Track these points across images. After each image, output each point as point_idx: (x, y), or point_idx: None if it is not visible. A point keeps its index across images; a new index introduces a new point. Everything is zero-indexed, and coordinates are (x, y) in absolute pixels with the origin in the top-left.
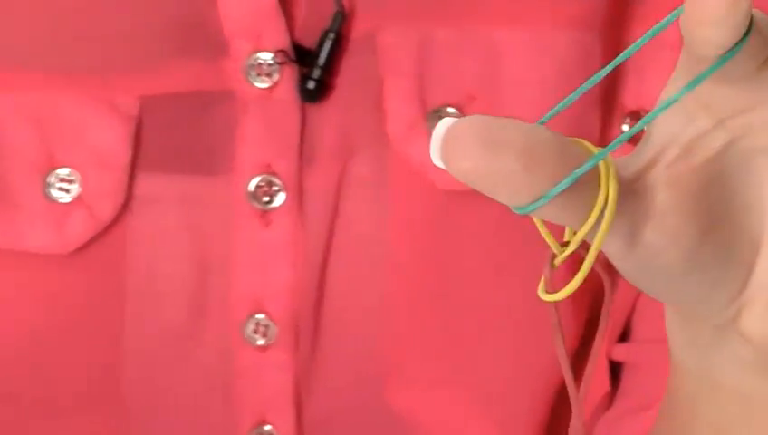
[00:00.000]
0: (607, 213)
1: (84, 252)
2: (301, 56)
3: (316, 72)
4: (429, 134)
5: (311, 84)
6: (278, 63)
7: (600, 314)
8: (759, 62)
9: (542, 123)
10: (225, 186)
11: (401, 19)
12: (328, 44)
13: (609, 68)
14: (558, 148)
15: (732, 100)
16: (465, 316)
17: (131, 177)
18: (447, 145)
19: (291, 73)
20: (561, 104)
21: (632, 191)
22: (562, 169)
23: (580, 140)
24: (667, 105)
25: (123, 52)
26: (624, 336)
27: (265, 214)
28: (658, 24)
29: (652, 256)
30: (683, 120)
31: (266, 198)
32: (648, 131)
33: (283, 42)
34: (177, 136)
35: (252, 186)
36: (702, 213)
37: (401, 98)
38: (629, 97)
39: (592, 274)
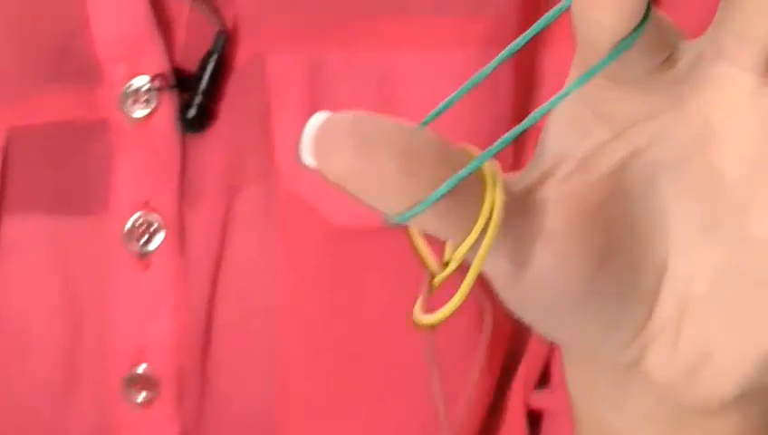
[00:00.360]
0: (491, 224)
1: None
2: (181, 82)
3: (198, 99)
4: None
5: (192, 112)
6: (156, 90)
7: (516, 363)
8: (657, 62)
9: (425, 124)
10: (99, 226)
11: (290, 41)
12: (210, 68)
13: (489, 67)
14: (440, 150)
15: (631, 107)
16: (365, 368)
17: None
18: (319, 141)
19: (170, 101)
20: (442, 105)
21: (521, 208)
22: (443, 173)
23: (466, 145)
24: (560, 99)
25: None
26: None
27: (143, 256)
28: (548, 14)
29: (541, 283)
30: (578, 132)
31: (144, 239)
32: (540, 144)
33: (162, 66)
34: (47, 172)
35: (128, 225)
36: (598, 235)
37: (291, 129)
38: (545, 118)
39: (503, 321)
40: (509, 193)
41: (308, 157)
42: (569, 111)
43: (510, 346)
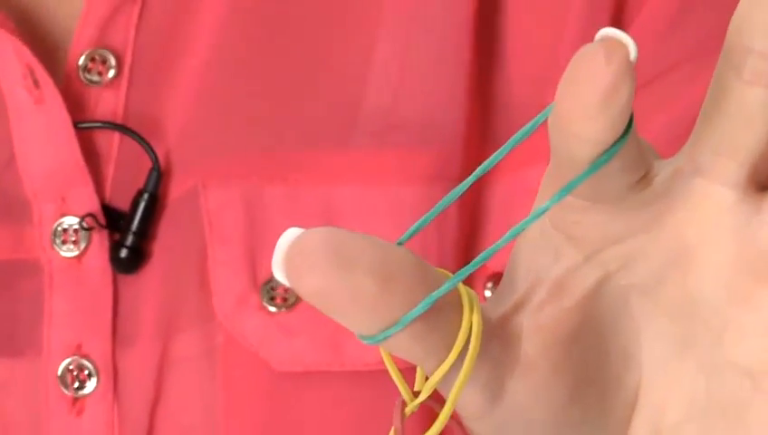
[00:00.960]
0: (470, 350)
1: None
2: (112, 220)
3: (129, 239)
4: (262, 309)
5: (124, 252)
6: (86, 229)
7: None
8: (633, 180)
9: (402, 242)
10: (32, 369)
11: (226, 176)
12: (142, 207)
13: (456, 192)
14: (416, 268)
15: (602, 229)
16: None
17: None
18: (292, 258)
19: (101, 240)
20: (418, 224)
21: (496, 338)
22: (420, 293)
23: (439, 269)
24: (531, 220)
25: None
26: None
27: (77, 401)
28: (525, 127)
29: (514, 415)
30: (549, 256)
31: (77, 384)
32: (510, 266)
33: (91, 205)
34: None
35: (60, 370)
36: (573, 365)
37: (228, 269)
38: (492, 259)
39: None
40: (487, 321)
41: (280, 275)
42: (540, 235)
43: None
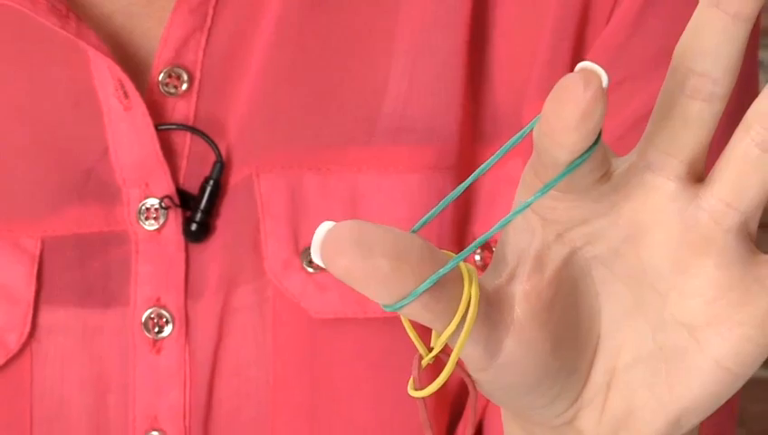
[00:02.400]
0: (469, 315)
1: None
2: (185, 201)
3: (198, 216)
4: (303, 270)
5: (194, 227)
6: (164, 208)
7: (460, 413)
8: (597, 177)
9: (414, 232)
10: (121, 318)
11: (275, 167)
12: (208, 191)
13: (476, 175)
14: (424, 251)
15: (571, 213)
16: (338, 429)
17: (36, 309)
18: (326, 245)
19: (176, 217)
20: (428, 215)
21: (494, 304)
22: (428, 271)
23: (444, 250)
24: (520, 211)
25: (26, 200)
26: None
27: (156, 342)
28: (515, 137)
29: (510, 366)
30: (528, 236)
31: (157, 329)
32: (501, 247)
33: (169, 189)
34: (76, 273)
35: (144, 318)
36: (554, 324)
37: (276, 239)
38: (480, 227)
39: (455, 377)
40: (485, 291)
41: (317, 259)
42: (521, 218)
43: (452, 408)
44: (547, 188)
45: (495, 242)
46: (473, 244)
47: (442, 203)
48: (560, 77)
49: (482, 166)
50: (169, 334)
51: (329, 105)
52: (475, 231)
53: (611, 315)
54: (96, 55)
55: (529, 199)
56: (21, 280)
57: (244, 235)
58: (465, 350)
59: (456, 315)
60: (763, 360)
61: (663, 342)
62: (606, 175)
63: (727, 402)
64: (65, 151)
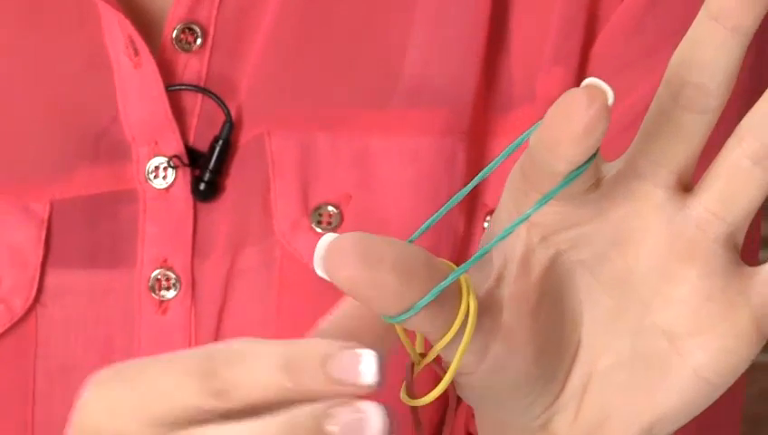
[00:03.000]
0: (468, 325)
1: None
2: (194, 160)
3: (207, 175)
4: (311, 230)
5: (202, 185)
6: (173, 167)
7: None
8: (588, 186)
9: (413, 239)
10: (127, 278)
11: (285, 126)
12: (217, 150)
13: (480, 176)
14: (426, 263)
15: (557, 218)
16: None
17: (42, 273)
18: (329, 257)
19: (185, 175)
20: (435, 215)
21: (483, 309)
22: (430, 283)
23: (443, 260)
24: (520, 222)
25: (36, 163)
26: None
27: (162, 303)
28: (518, 139)
29: (494, 371)
30: (512, 238)
31: (163, 290)
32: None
33: (178, 147)
34: (83, 235)
35: (151, 278)
36: (539, 329)
37: (286, 198)
38: (491, 197)
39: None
40: (476, 296)
41: (320, 271)
42: (507, 220)
43: (442, 402)
44: (545, 199)
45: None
46: (473, 257)
47: (446, 206)
48: (572, 47)
49: (486, 168)
50: (175, 295)
51: (343, 66)
52: (486, 202)
53: (592, 321)
54: (106, 10)
55: (527, 212)
56: (29, 244)
57: (253, 194)
58: (450, 356)
59: (454, 326)
60: (742, 371)
61: (642, 349)
62: (596, 183)
63: (730, 391)
64: (77, 112)
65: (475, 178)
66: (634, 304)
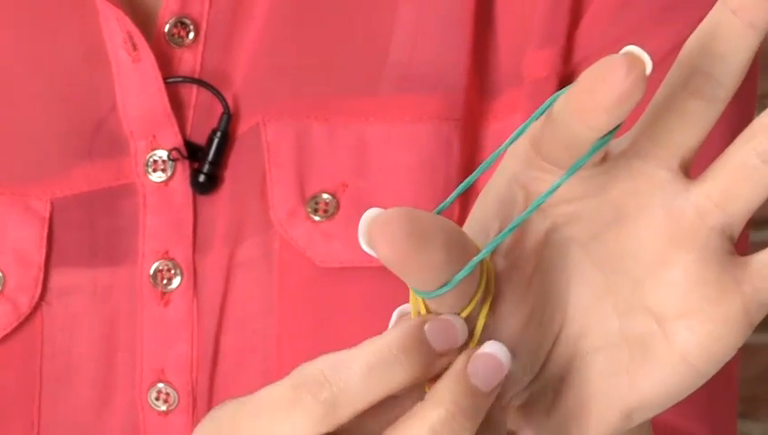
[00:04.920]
0: (489, 293)
1: (4, 341)
2: (192, 153)
3: (206, 167)
4: (308, 219)
5: (201, 178)
6: (172, 160)
7: None
8: (599, 158)
9: (441, 210)
10: (129, 274)
11: (281, 115)
12: (215, 141)
13: (495, 155)
14: (465, 240)
15: (558, 190)
16: None
17: (46, 272)
18: (375, 233)
19: (184, 168)
20: (459, 188)
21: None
22: (467, 258)
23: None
24: (552, 190)
25: (36, 160)
26: None
27: (165, 295)
28: (534, 114)
29: (485, 336)
30: (510, 206)
31: (165, 281)
32: (482, 215)
33: (177, 141)
34: (85, 232)
35: (152, 270)
36: (529, 298)
37: (282, 187)
38: (483, 179)
39: None
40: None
41: (365, 246)
42: (506, 188)
43: None
44: (574, 169)
45: None
46: (500, 234)
47: (459, 189)
48: (558, 28)
49: (496, 150)
50: (177, 287)
51: (334, 54)
52: (479, 188)
53: (579, 301)
54: (104, 6)
55: (559, 181)
56: (32, 243)
57: (251, 185)
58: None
59: (476, 296)
60: (727, 360)
61: (629, 331)
62: (603, 157)
63: (724, 371)
64: (76, 107)
65: (489, 158)
66: (625, 283)
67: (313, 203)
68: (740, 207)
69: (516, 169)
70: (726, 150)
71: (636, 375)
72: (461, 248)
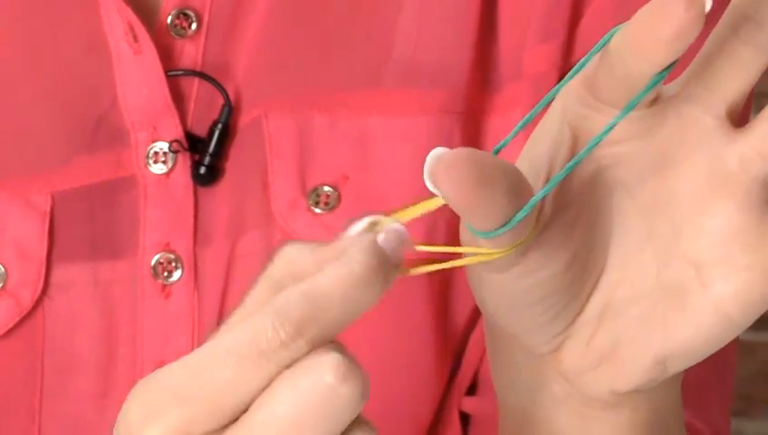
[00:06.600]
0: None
1: (6, 336)
2: (193, 144)
3: (207, 159)
4: (309, 211)
5: (203, 170)
6: (173, 152)
7: (456, 371)
8: (650, 99)
9: (497, 151)
10: (130, 266)
11: (282, 108)
12: (216, 133)
13: (528, 117)
14: (523, 182)
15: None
16: None
17: (48, 266)
18: (442, 173)
19: (185, 160)
20: (515, 130)
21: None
22: (525, 200)
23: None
24: (610, 128)
25: (37, 154)
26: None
27: (165, 287)
28: (593, 49)
29: (526, 274)
30: (556, 146)
31: (166, 274)
32: (531, 154)
33: (177, 132)
34: (86, 225)
35: (153, 262)
36: (574, 242)
37: (283, 179)
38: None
39: (453, 337)
40: None
41: (430, 184)
42: (556, 126)
43: (455, 357)
44: (631, 105)
45: None
46: (563, 170)
47: (529, 115)
48: (559, 23)
49: (558, 85)
50: (179, 279)
51: (337, 46)
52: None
53: (621, 246)
54: None
55: (616, 118)
56: (33, 237)
57: (252, 177)
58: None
59: (530, 235)
60: (763, 312)
61: (666, 279)
62: (656, 99)
63: (720, 365)
64: (76, 99)
65: (540, 103)
66: (665, 229)
67: (314, 195)
68: None
69: (567, 109)
70: None
71: (670, 323)
72: (521, 190)
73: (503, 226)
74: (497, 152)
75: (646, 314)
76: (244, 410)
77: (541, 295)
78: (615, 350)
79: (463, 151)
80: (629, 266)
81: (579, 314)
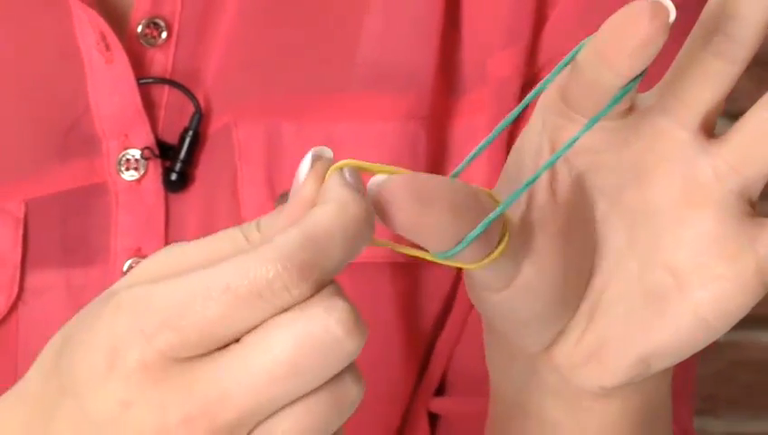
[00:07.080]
0: (502, 244)
1: None
2: (164, 151)
3: (178, 166)
4: None
5: (173, 176)
6: (144, 159)
7: (423, 372)
8: (624, 108)
9: (456, 175)
10: (102, 272)
11: (252, 114)
12: (187, 140)
13: (509, 119)
14: (474, 197)
15: (581, 140)
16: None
17: (22, 272)
18: (383, 201)
19: (156, 167)
20: (472, 154)
21: (515, 230)
22: (479, 217)
23: (483, 189)
24: (576, 139)
25: (10, 162)
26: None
27: None
28: (566, 58)
29: (524, 290)
30: (537, 161)
31: None
32: (513, 168)
33: (149, 140)
34: (59, 232)
35: (125, 268)
36: (568, 251)
37: (253, 186)
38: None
39: (421, 337)
40: (511, 220)
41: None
42: (536, 137)
43: (423, 358)
44: (598, 117)
45: None
46: (520, 188)
47: (480, 146)
48: (521, 28)
49: (524, 100)
50: None
51: (304, 53)
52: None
53: (606, 252)
54: (78, 7)
55: (585, 126)
56: (7, 243)
57: (222, 184)
58: (487, 272)
59: (500, 247)
60: (741, 317)
61: (648, 283)
62: (629, 109)
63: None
64: (49, 107)
65: (515, 110)
66: (645, 237)
67: (282, 200)
68: (757, 172)
69: (545, 119)
70: (745, 114)
71: (652, 326)
72: (472, 207)
73: (458, 244)
74: (456, 175)
75: (630, 315)
76: (235, 340)
77: (540, 311)
78: (601, 348)
79: (399, 178)
80: (615, 270)
81: (571, 317)
